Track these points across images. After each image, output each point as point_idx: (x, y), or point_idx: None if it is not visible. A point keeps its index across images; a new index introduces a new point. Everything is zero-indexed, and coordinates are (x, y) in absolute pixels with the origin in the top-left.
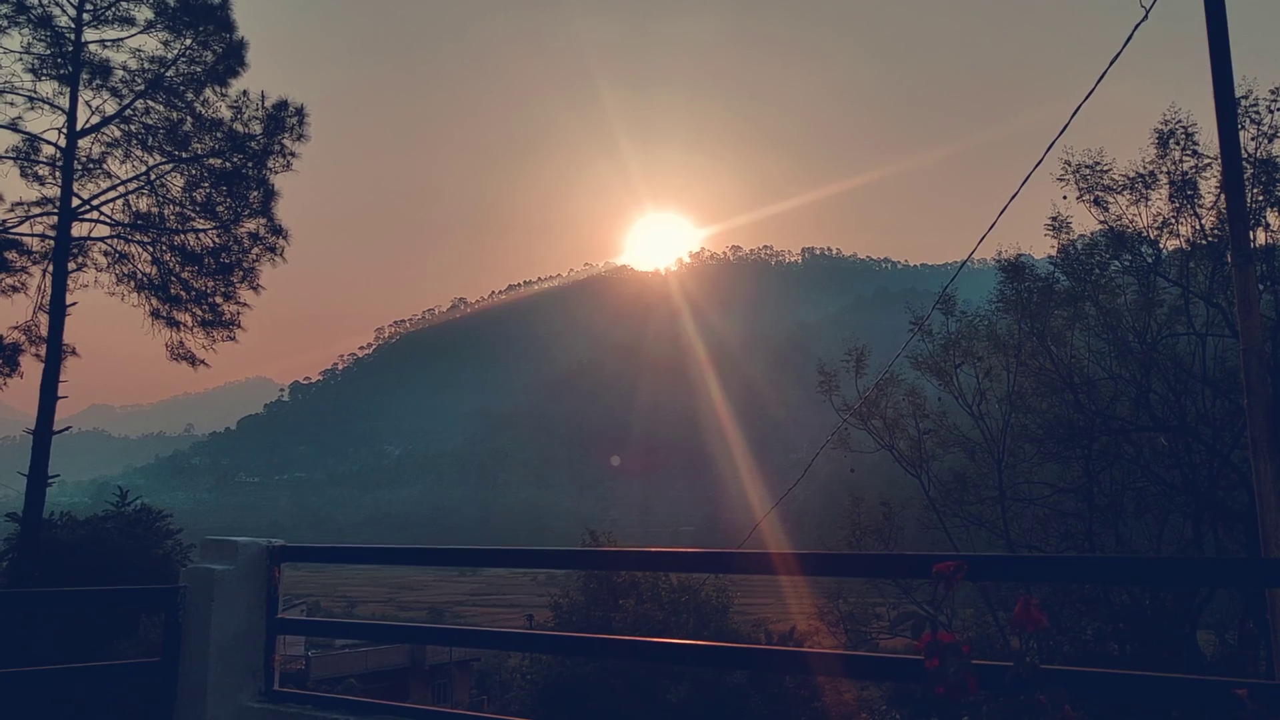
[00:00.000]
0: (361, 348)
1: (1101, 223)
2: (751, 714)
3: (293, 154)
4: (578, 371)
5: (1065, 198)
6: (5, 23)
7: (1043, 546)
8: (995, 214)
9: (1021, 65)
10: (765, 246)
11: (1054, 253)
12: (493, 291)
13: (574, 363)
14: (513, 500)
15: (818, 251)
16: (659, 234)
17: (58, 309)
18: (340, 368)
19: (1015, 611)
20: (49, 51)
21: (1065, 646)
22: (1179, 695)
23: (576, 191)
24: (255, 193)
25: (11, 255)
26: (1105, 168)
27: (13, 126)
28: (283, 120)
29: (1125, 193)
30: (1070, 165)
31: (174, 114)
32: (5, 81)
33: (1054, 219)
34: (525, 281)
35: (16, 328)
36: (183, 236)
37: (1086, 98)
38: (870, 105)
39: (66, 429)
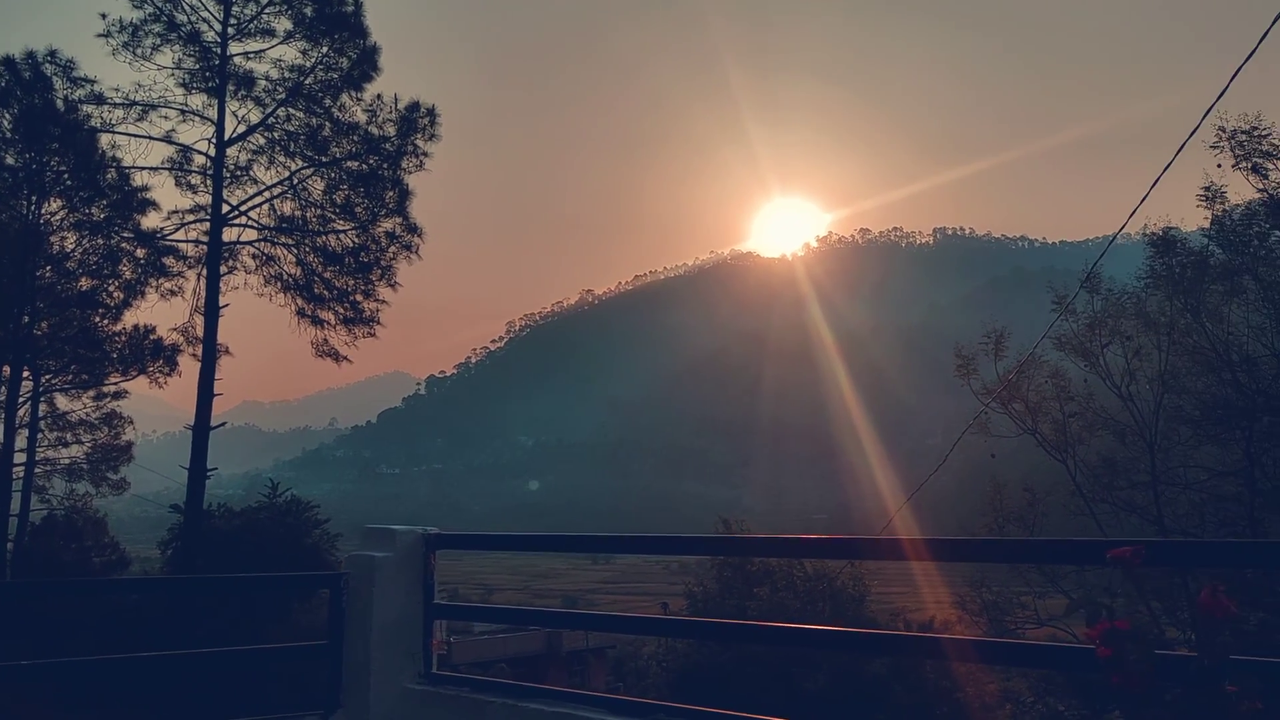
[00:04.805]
0: (493, 341)
1: (1260, 191)
2: (892, 704)
3: (425, 154)
4: (705, 360)
5: (1219, 166)
6: (158, 40)
7: (1199, 533)
8: (1140, 189)
9: (1165, 40)
10: (895, 228)
11: (1206, 224)
12: (619, 282)
13: (701, 351)
14: (644, 489)
15: (950, 231)
16: (785, 219)
17: (212, 311)
18: (473, 361)
19: (1201, 599)
20: (198, 66)
21: (1227, 637)
22: None
23: (704, 181)
24: (391, 193)
25: (169, 261)
26: (1264, 132)
27: (167, 139)
28: (415, 121)
29: None
30: (1225, 132)
31: (313, 120)
32: (159, 96)
33: (1207, 189)
34: (651, 271)
35: (175, 329)
36: (324, 238)
37: (1249, 57)
38: (1002, 85)
39: (222, 424)
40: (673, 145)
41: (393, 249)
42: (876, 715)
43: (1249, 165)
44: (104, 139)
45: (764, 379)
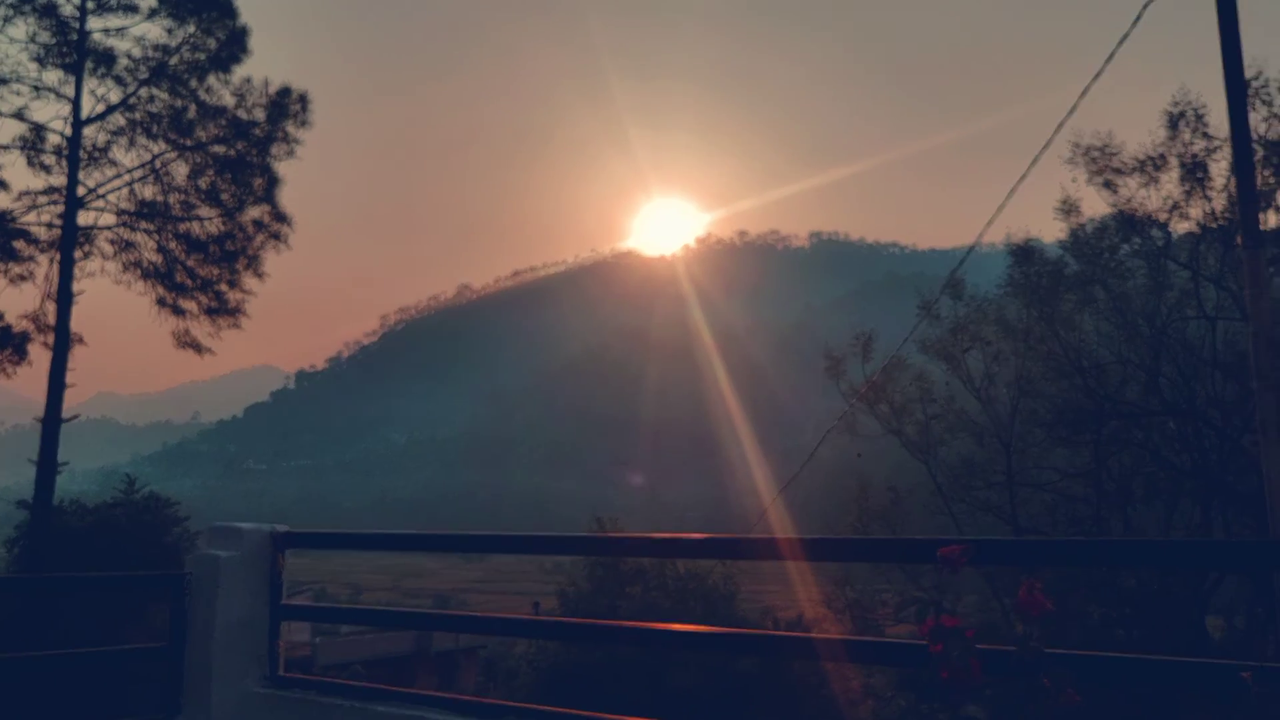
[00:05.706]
0: (367, 335)
1: (1111, 205)
2: (760, 701)
3: (296, 141)
4: (584, 357)
5: (1075, 180)
6: (10, 11)
7: (1050, 531)
8: (1004, 198)
9: (1029, 49)
10: (772, 231)
11: (1063, 236)
12: (498, 278)
13: (580, 348)
14: (519, 486)
15: (825, 236)
16: (665, 219)
17: (65, 297)
18: (346, 355)
19: (1019, 595)
20: (54, 40)
21: (1072, 632)
22: (1183, 678)
23: (585, 179)
24: (259, 180)
25: (19, 244)
26: (1115, 150)
27: (19, 116)
28: (286, 107)
29: (1135, 175)
30: (1080, 147)
31: (177, 101)
32: (11, 71)
33: (1064, 202)
34: (531, 267)
35: (25, 316)
36: (187, 224)
37: (1095, 78)
38: (874, 91)
39: (75, 417)
40: (554, 142)
41: (260, 238)
42: (745, 712)
43: (1101, 181)
44: None
45: (644, 377)
